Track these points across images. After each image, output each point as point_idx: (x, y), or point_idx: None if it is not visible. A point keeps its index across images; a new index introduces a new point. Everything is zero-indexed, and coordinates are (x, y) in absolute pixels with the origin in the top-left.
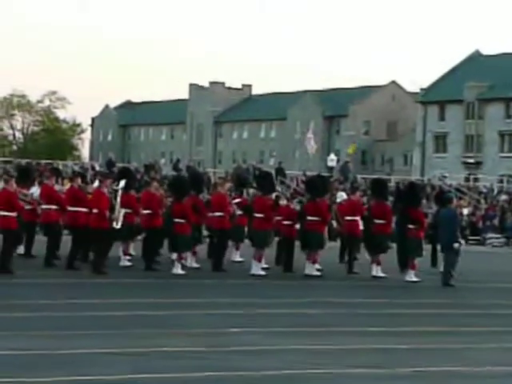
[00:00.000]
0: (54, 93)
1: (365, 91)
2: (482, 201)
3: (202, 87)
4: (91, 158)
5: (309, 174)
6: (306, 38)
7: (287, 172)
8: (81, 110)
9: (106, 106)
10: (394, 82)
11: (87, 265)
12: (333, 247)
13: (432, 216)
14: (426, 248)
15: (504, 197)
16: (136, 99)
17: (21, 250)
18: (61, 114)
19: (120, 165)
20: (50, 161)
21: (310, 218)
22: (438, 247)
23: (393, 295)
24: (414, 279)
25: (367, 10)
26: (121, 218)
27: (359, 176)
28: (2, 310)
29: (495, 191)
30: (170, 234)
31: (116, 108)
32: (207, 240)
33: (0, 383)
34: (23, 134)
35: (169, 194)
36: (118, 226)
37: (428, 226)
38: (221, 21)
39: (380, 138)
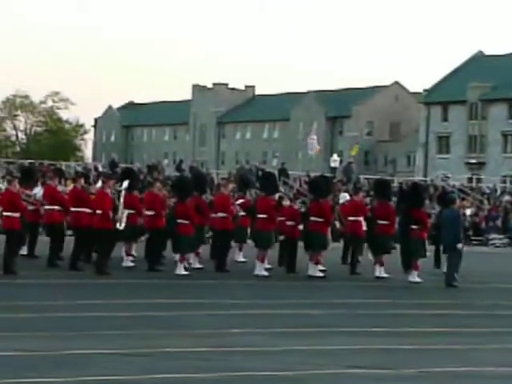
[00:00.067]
0: (56, 93)
1: (368, 92)
2: (485, 201)
3: (205, 88)
4: (94, 158)
5: (312, 174)
6: (308, 38)
7: (290, 173)
8: (84, 110)
9: (109, 107)
10: (397, 83)
11: (90, 265)
12: (336, 248)
13: (435, 217)
14: (430, 249)
15: (507, 197)
16: (139, 100)
17: (24, 250)
18: (64, 114)
19: (123, 165)
20: (52, 161)
21: (313, 218)
22: (441, 248)
23: (396, 296)
24: (417, 280)
25: (370, 11)
26: (124, 219)
27: (362, 177)
28: (6, 311)
29: (498, 192)
30: (173, 235)
31: (119, 109)
32: (210, 241)
33: None
34: (26, 134)
35: (172, 194)
36: (122, 227)
37: (431, 227)
38: (225, 21)
39: (383, 138)
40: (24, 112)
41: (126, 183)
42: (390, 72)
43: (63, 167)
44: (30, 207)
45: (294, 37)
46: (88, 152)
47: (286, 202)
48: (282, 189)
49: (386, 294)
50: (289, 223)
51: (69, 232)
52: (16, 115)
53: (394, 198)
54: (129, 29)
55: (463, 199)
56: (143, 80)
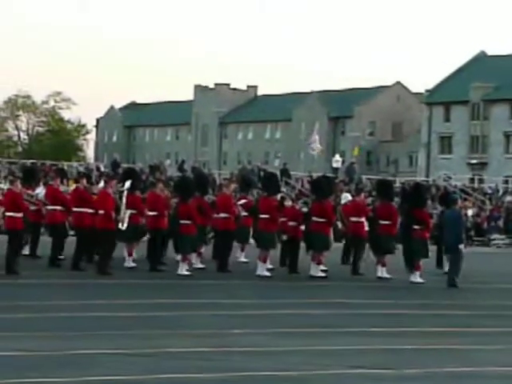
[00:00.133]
0: (58, 93)
1: (370, 92)
2: (487, 202)
3: (207, 88)
4: (96, 158)
5: (314, 175)
6: (311, 38)
7: (292, 173)
8: (86, 110)
9: (111, 107)
10: (399, 83)
11: (92, 266)
12: (337, 248)
13: (437, 217)
14: (432, 249)
15: (509, 198)
16: (141, 100)
17: (26, 250)
18: (66, 114)
19: (125, 166)
20: (54, 162)
21: (315, 219)
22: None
23: (398, 296)
24: (419, 280)
25: (372, 11)
26: (126, 219)
27: (364, 177)
28: (8, 311)
29: (500, 192)
30: (175, 235)
31: (121, 109)
32: (212, 241)
33: None
34: (28, 134)
35: (174, 195)
36: (124, 227)
37: (433, 227)
38: (227, 21)
39: (385, 138)
40: (26, 112)
41: (128, 183)
42: (392, 72)
43: (65, 167)
44: (32, 207)
45: (296, 37)
46: (90, 152)
47: (288, 203)
48: (283, 189)
49: (388, 295)
50: (291, 223)
51: (71, 232)
52: (18, 115)
53: (397, 199)
54: (131, 29)
55: (465, 199)
56: (145, 80)
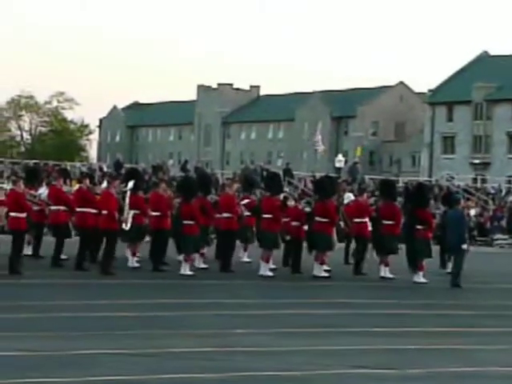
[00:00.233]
0: (61, 94)
1: (373, 92)
2: (490, 202)
3: (210, 88)
4: (99, 158)
5: (317, 174)
6: (314, 38)
7: (295, 173)
8: (89, 110)
9: (114, 107)
10: (402, 83)
11: (95, 266)
12: (341, 248)
13: (440, 217)
14: (435, 249)
15: None
16: (144, 100)
17: (28, 250)
18: (68, 114)
19: (128, 165)
20: (57, 162)
21: (318, 219)
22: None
23: (401, 296)
24: (422, 280)
25: (375, 11)
26: (130, 219)
27: (367, 177)
28: (11, 311)
29: (503, 192)
30: (178, 235)
31: (124, 109)
32: (215, 241)
33: None
34: (31, 134)
35: (177, 195)
36: (127, 228)
37: (436, 227)
38: (230, 21)
39: (388, 138)
40: (29, 112)
41: (131, 183)
42: (394, 72)
43: (68, 167)
44: (35, 207)
45: (299, 37)
46: (93, 152)
47: (291, 203)
48: (286, 189)
49: (391, 295)
50: (294, 223)
51: (74, 232)
52: (21, 115)
53: (400, 199)
54: (134, 29)
55: (468, 199)
56: (148, 80)
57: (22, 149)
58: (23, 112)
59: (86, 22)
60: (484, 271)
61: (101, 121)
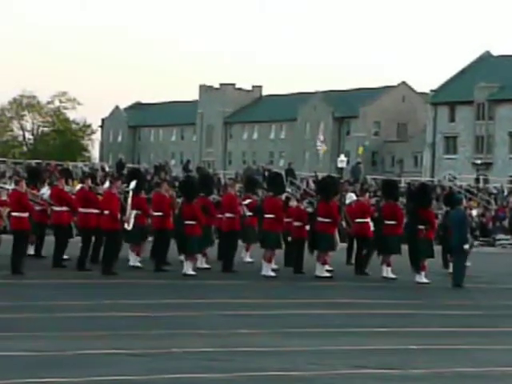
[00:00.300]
0: (63, 93)
1: (375, 92)
2: (492, 202)
3: (212, 88)
4: (101, 158)
5: (319, 174)
6: (316, 38)
7: (297, 173)
8: (91, 110)
9: (116, 107)
10: (404, 83)
11: (97, 266)
12: (343, 248)
13: (442, 217)
14: (437, 249)
15: None
16: (146, 100)
17: (31, 250)
18: (71, 114)
19: (130, 166)
20: (59, 162)
21: (320, 219)
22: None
23: (403, 296)
24: (424, 280)
25: (377, 11)
26: (132, 220)
27: (369, 177)
28: (13, 311)
29: (505, 192)
30: (179, 236)
31: (126, 109)
32: (217, 241)
33: None
34: (33, 134)
35: (179, 195)
36: (129, 228)
37: (438, 227)
38: (232, 21)
39: (390, 138)
40: (31, 112)
41: (133, 184)
42: (397, 72)
43: (70, 167)
44: (37, 207)
45: (301, 37)
46: (95, 152)
47: (293, 203)
48: (288, 189)
49: (393, 295)
50: (296, 224)
51: (76, 232)
52: (23, 115)
53: (402, 199)
54: (136, 29)
55: (470, 200)
56: (150, 80)
57: (25, 149)
58: (25, 112)
59: (87, 22)
60: (486, 271)
61: (103, 121)
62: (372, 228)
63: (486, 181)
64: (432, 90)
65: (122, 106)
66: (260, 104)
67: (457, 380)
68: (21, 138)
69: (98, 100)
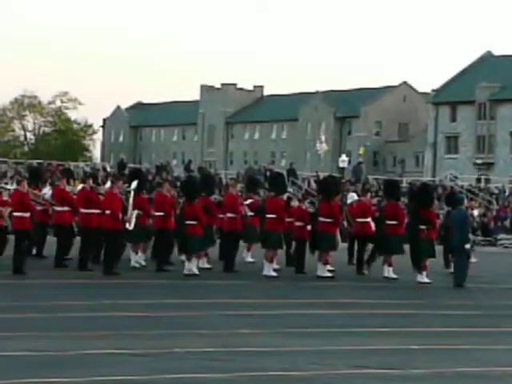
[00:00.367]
0: (65, 93)
1: (376, 92)
2: (494, 202)
3: (213, 88)
4: (102, 158)
5: (320, 174)
6: (317, 38)
7: (298, 173)
8: (92, 110)
9: (118, 107)
10: (405, 83)
11: (99, 266)
12: (344, 248)
13: (443, 217)
14: (438, 249)
15: None
16: (147, 100)
17: (32, 250)
18: (72, 114)
19: (131, 166)
20: (61, 162)
21: (322, 219)
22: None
23: (404, 296)
24: (426, 280)
25: (379, 11)
26: (133, 220)
27: (371, 177)
28: (14, 311)
29: (507, 192)
30: (180, 236)
31: (127, 109)
32: (218, 241)
33: None
34: (35, 134)
35: (181, 195)
36: (131, 228)
37: (440, 227)
38: (233, 21)
39: (391, 138)
40: (32, 112)
41: (134, 184)
42: (398, 72)
43: (72, 167)
44: (39, 207)
45: (302, 37)
46: (96, 152)
47: (295, 203)
48: (290, 189)
49: (395, 295)
50: (297, 224)
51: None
52: (24, 115)
53: (404, 199)
54: (137, 29)
55: (471, 199)
56: (151, 80)
57: (26, 149)
58: (27, 112)
59: (87, 22)
60: (487, 271)
61: (104, 121)
62: (373, 228)
63: (487, 181)
64: (433, 90)
65: (124, 105)
66: (261, 104)
67: (458, 380)
68: (22, 138)
69: (99, 100)
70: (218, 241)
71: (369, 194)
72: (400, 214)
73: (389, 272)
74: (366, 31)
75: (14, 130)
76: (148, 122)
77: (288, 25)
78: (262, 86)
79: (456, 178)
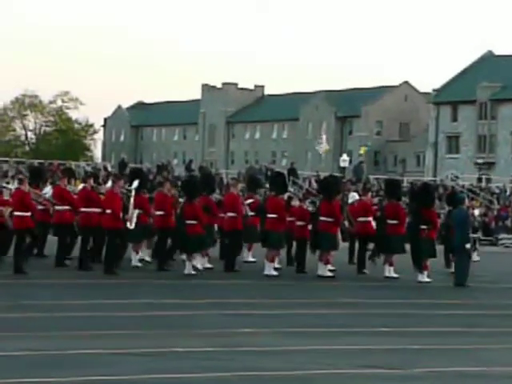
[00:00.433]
0: (66, 93)
1: (377, 92)
2: (495, 201)
3: (214, 88)
4: (103, 158)
5: (321, 174)
6: (318, 38)
7: (299, 172)
8: (93, 110)
9: (119, 107)
10: (406, 83)
11: (99, 265)
12: (345, 248)
13: (444, 216)
14: (439, 249)
15: None
16: (148, 100)
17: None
18: (73, 114)
19: (132, 165)
20: (62, 161)
21: (323, 218)
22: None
23: (405, 295)
24: (426, 280)
25: (380, 10)
26: (134, 219)
27: (372, 177)
28: (14, 311)
29: (508, 192)
30: (181, 235)
31: (128, 108)
32: (219, 241)
33: (14, 383)
34: (35, 134)
35: (182, 194)
36: (132, 227)
37: (440, 227)
38: (234, 21)
39: (392, 138)
40: (33, 112)
41: (136, 183)
42: (399, 72)
43: (73, 167)
44: (40, 207)
45: (303, 37)
46: (97, 152)
47: (296, 202)
48: (291, 189)
49: (395, 294)
50: (298, 223)
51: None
52: (25, 115)
53: (405, 198)
54: (138, 29)
55: (472, 199)
56: (152, 80)
57: (27, 148)
58: (28, 111)
59: (91, 22)
60: (489, 271)
61: (105, 120)
62: (374, 227)
63: (488, 180)
64: (434, 90)
65: (125, 105)
66: (262, 104)
67: (459, 379)
68: (23, 138)
69: (100, 99)
70: (218, 241)
71: (370, 194)
72: (401, 213)
73: (390, 271)
74: (367, 31)
75: (15, 130)
76: (149, 122)
77: (288, 25)
78: (262, 86)
79: (457, 177)
